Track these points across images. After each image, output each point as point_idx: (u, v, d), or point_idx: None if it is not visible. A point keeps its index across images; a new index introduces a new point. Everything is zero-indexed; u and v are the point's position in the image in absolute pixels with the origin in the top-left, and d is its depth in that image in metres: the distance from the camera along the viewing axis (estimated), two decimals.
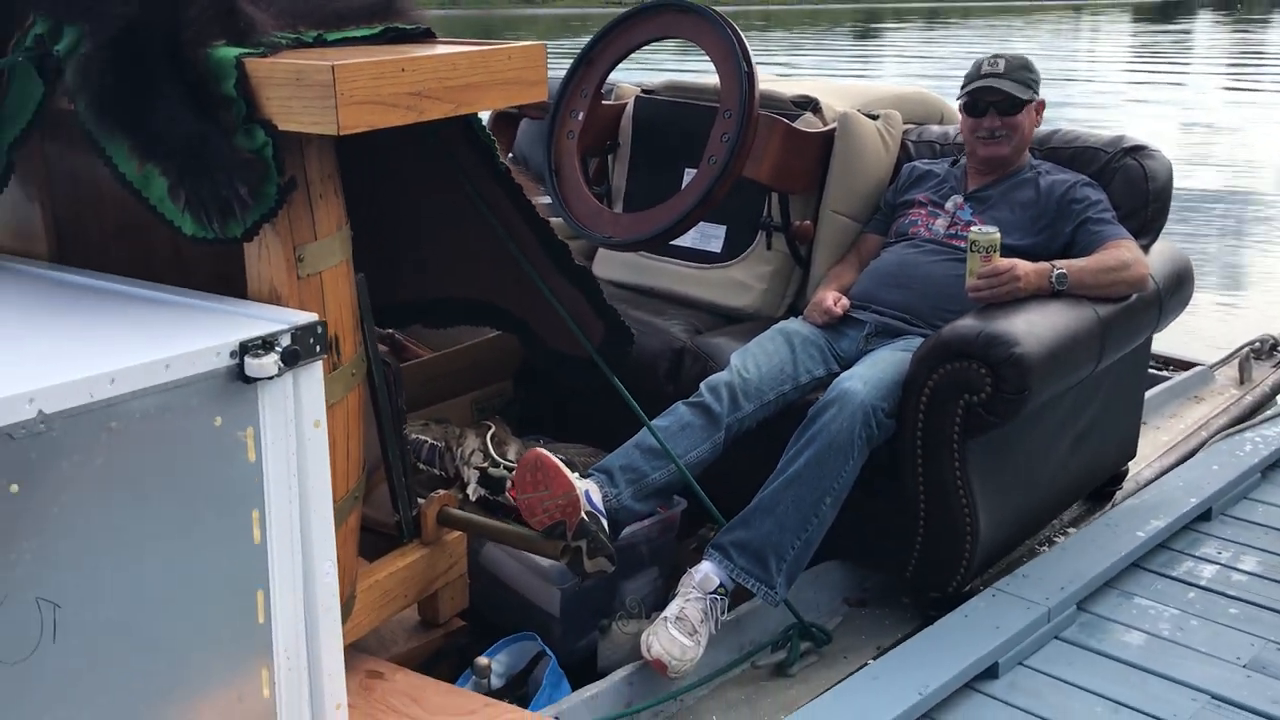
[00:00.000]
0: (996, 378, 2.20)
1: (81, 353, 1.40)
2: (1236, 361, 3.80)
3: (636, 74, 3.81)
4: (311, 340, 1.57)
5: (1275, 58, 26.21)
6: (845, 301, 2.62)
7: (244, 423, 1.50)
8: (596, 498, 2.20)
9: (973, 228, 2.42)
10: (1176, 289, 2.71)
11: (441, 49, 1.76)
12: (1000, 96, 2.60)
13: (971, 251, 2.39)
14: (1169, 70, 22.04)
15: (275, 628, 1.59)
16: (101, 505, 1.35)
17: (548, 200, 2.95)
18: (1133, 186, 2.63)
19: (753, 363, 2.48)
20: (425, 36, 1.89)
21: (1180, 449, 3.22)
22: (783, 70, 20.57)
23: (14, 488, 1.26)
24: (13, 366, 1.34)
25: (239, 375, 1.47)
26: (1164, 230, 2.73)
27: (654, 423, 2.39)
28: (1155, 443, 3.24)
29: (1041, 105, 2.67)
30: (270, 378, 1.50)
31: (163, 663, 1.45)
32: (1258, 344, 3.89)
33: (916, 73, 21.20)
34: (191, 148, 1.56)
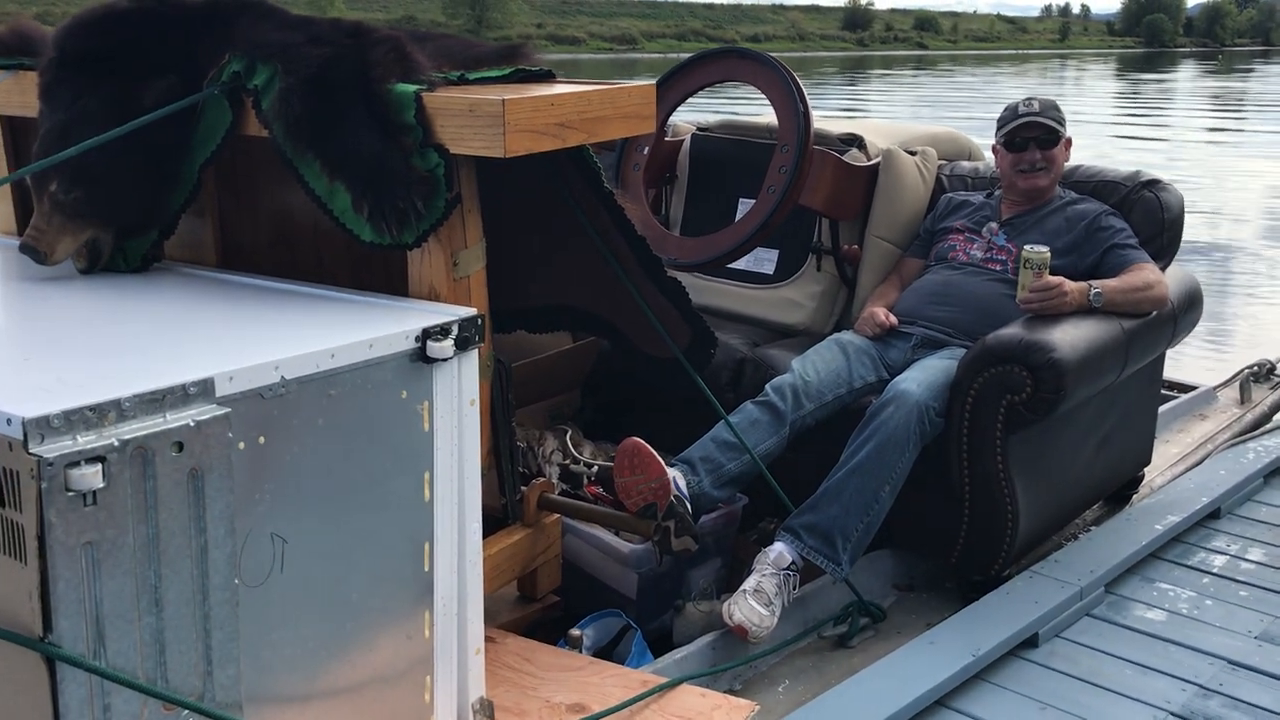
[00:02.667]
0: (1036, 379, 2.50)
1: (303, 334, 1.67)
2: (1237, 383, 4.10)
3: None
4: (473, 330, 1.85)
5: (1257, 104, 26.96)
6: (894, 318, 2.92)
7: (422, 397, 1.78)
8: (682, 484, 2.48)
9: (1026, 246, 2.72)
10: (1189, 309, 3.01)
11: (577, 87, 2.06)
12: (1040, 131, 2.92)
13: (1024, 267, 2.69)
14: (1154, 115, 22.66)
15: (437, 576, 1.85)
16: (319, 459, 1.61)
17: None
18: (1150, 216, 2.95)
19: (812, 368, 2.77)
20: (547, 77, 2.19)
21: (1189, 459, 3.51)
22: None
23: (261, 439, 1.53)
24: (256, 343, 1.61)
25: (421, 356, 1.75)
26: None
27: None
28: (1166, 454, 3.53)
29: (1069, 142, 2.99)
30: (445, 359, 1.78)
31: (355, 600, 1.71)
32: (1256, 367, 4.20)
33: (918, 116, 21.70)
34: (374, 166, 1.85)
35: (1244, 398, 4.04)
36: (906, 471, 2.55)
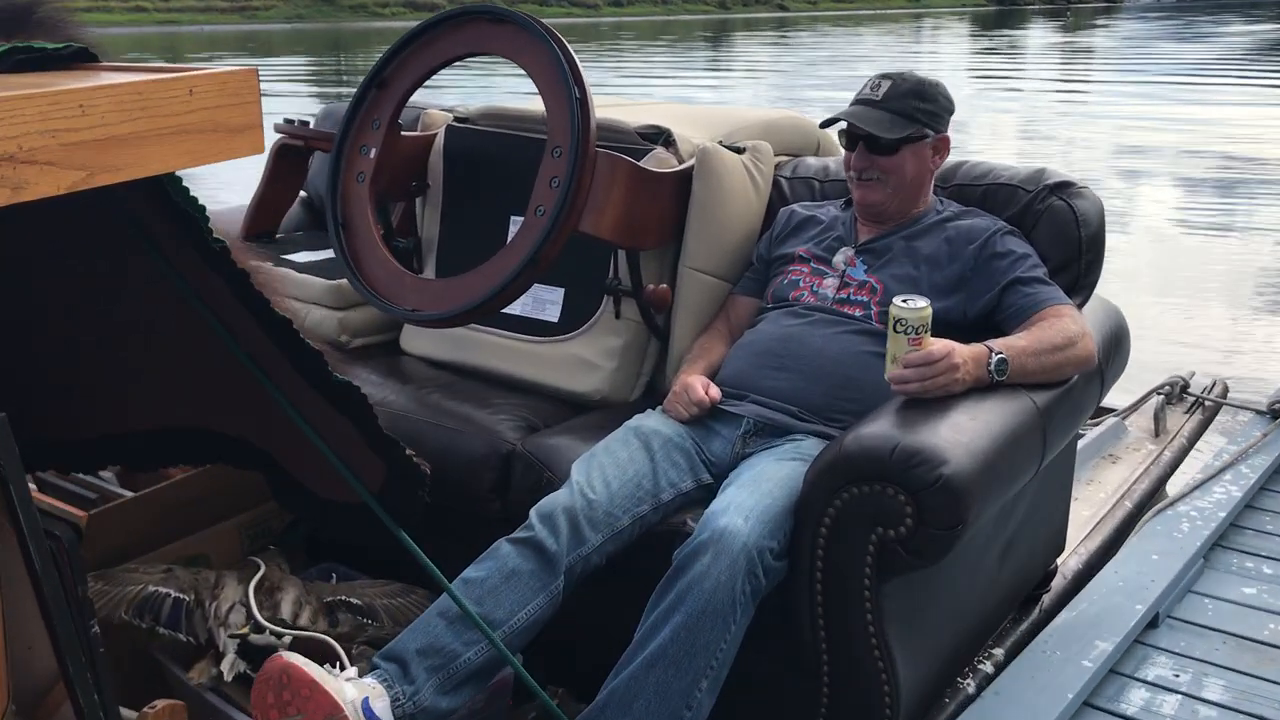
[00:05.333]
0: (920, 508, 1.65)
1: None
2: (1150, 410, 3.39)
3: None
4: None
5: (1102, 59, 27.58)
6: (716, 390, 2.05)
7: None
8: (381, 706, 1.57)
9: (895, 300, 1.83)
10: (1116, 354, 2.22)
11: (81, 83, 1.12)
12: (864, 133, 2.06)
13: (895, 332, 1.81)
14: (1008, 73, 22.75)
15: None
16: None
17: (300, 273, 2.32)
18: (1062, 233, 2.13)
19: (600, 477, 1.89)
20: (77, 59, 1.26)
21: (1106, 526, 2.76)
22: (638, 83, 20.28)
23: None
24: None
25: None
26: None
27: (469, 573, 1.78)
28: (1078, 519, 2.76)
29: (944, 143, 2.14)
30: None
31: None
32: (1168, 388, 3.49)
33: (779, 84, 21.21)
34: None
35: (1159, 429, 3.32)
36: (733, 652, 1.69)
